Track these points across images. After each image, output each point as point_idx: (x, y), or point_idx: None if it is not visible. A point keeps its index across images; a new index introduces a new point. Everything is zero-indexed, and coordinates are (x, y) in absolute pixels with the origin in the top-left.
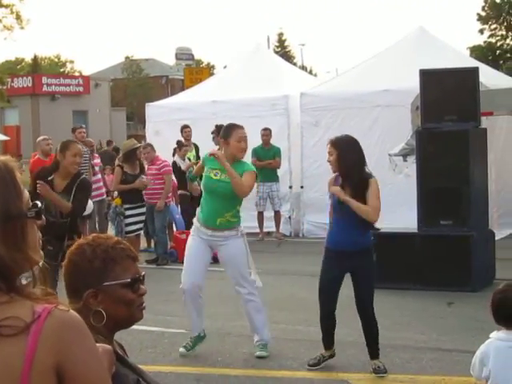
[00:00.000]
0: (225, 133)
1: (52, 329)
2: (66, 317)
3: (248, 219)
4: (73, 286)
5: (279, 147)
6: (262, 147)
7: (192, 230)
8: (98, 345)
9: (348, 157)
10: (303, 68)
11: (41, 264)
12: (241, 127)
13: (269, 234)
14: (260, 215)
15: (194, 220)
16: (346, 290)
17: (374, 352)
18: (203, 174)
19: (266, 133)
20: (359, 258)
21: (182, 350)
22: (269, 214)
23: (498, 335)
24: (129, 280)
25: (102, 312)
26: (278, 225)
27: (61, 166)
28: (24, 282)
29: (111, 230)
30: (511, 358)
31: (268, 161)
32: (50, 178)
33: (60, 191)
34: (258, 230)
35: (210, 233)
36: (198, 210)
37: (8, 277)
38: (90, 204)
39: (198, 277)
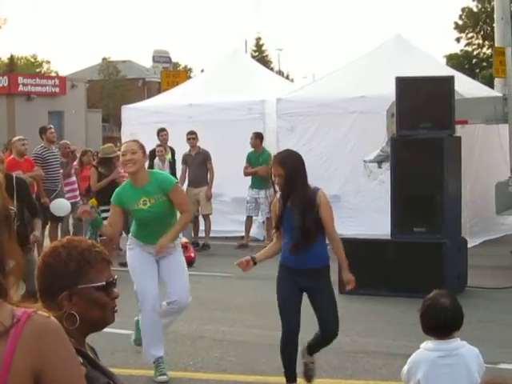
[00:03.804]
0: None
1: (31, 334)
2: (45, 322)
3: (224, 223)
4: (46, 288)
5: (270, 153)
6: (254, 152)
7: (131, 243)
8: None
9: (297, 177)
10: (280, 73)
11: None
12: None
13: (242, 238)
14: (248, 220)
15: (132, 237)
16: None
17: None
18: (131, 210)
19: (251, 136)
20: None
21: (161, 377)
22: (243, 218)
23: (426, 345)
24: (104, 283)
25: (75, 315)
26: (268, 232)
27: None
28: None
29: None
30: (440, 367)
31: (255, 169)
32: None
33: None
34: (230, 235)
35: (152, 248)
36: (133, 229)
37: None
38: (68, 205)
39: (157, 299)
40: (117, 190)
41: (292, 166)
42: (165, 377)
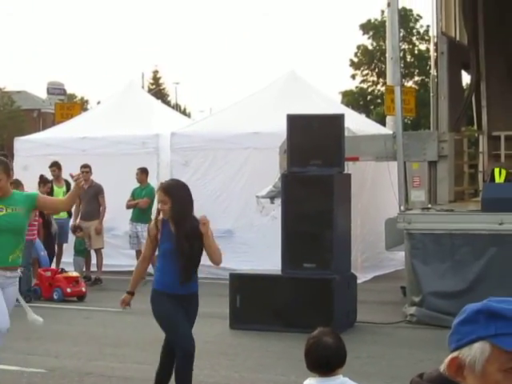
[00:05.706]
0: None
1: None
2: None
3: (116, 257)
4: None
5: (153, 187)
6: (139, 187)
7: None
8: None
9: (183, 206)
10: (177, 106)
11: None
12: None
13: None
14: (139, 254)
15: None
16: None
17: None
18: None
19: (136, 172)
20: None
21: None
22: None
23: (309, 382)
24: None
25: None
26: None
27: None
28: None
29: None
30: None
31: (136, 201)
32: None
33: None
34: (122, 269)
35: (1, 273)
36: None
37: None
38: None
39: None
40: None
41: (178, 196)
42: None
